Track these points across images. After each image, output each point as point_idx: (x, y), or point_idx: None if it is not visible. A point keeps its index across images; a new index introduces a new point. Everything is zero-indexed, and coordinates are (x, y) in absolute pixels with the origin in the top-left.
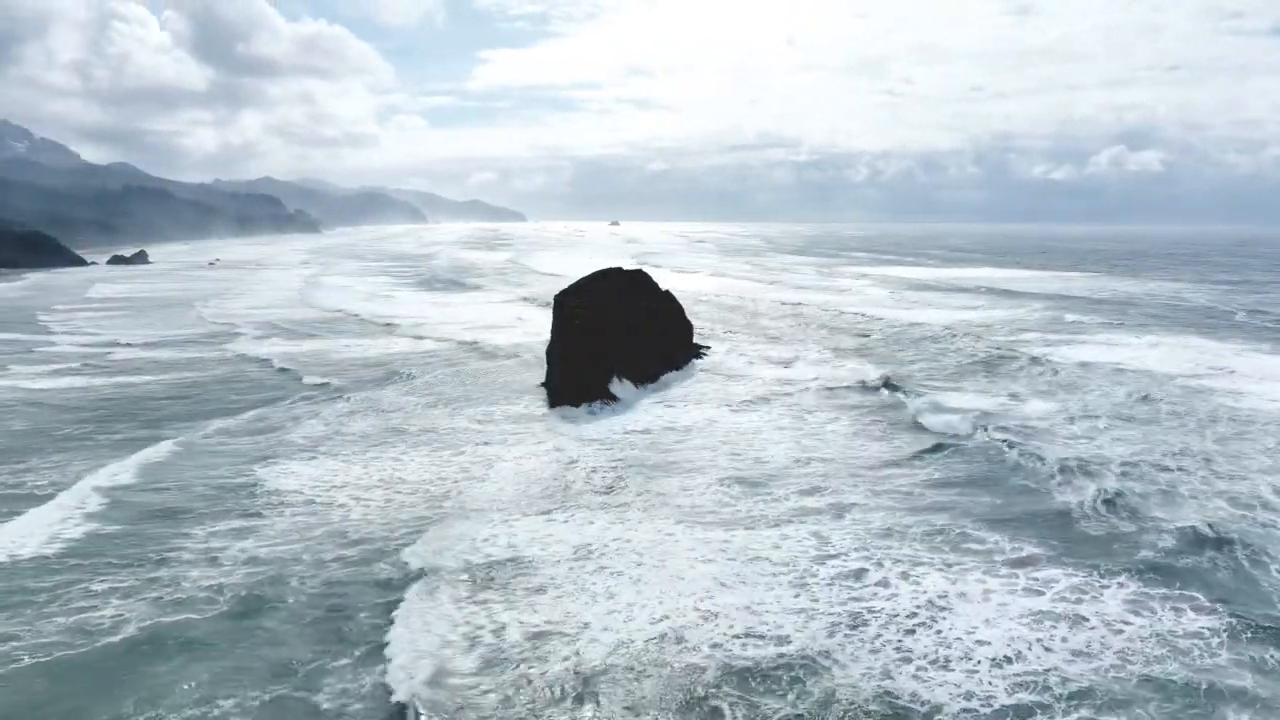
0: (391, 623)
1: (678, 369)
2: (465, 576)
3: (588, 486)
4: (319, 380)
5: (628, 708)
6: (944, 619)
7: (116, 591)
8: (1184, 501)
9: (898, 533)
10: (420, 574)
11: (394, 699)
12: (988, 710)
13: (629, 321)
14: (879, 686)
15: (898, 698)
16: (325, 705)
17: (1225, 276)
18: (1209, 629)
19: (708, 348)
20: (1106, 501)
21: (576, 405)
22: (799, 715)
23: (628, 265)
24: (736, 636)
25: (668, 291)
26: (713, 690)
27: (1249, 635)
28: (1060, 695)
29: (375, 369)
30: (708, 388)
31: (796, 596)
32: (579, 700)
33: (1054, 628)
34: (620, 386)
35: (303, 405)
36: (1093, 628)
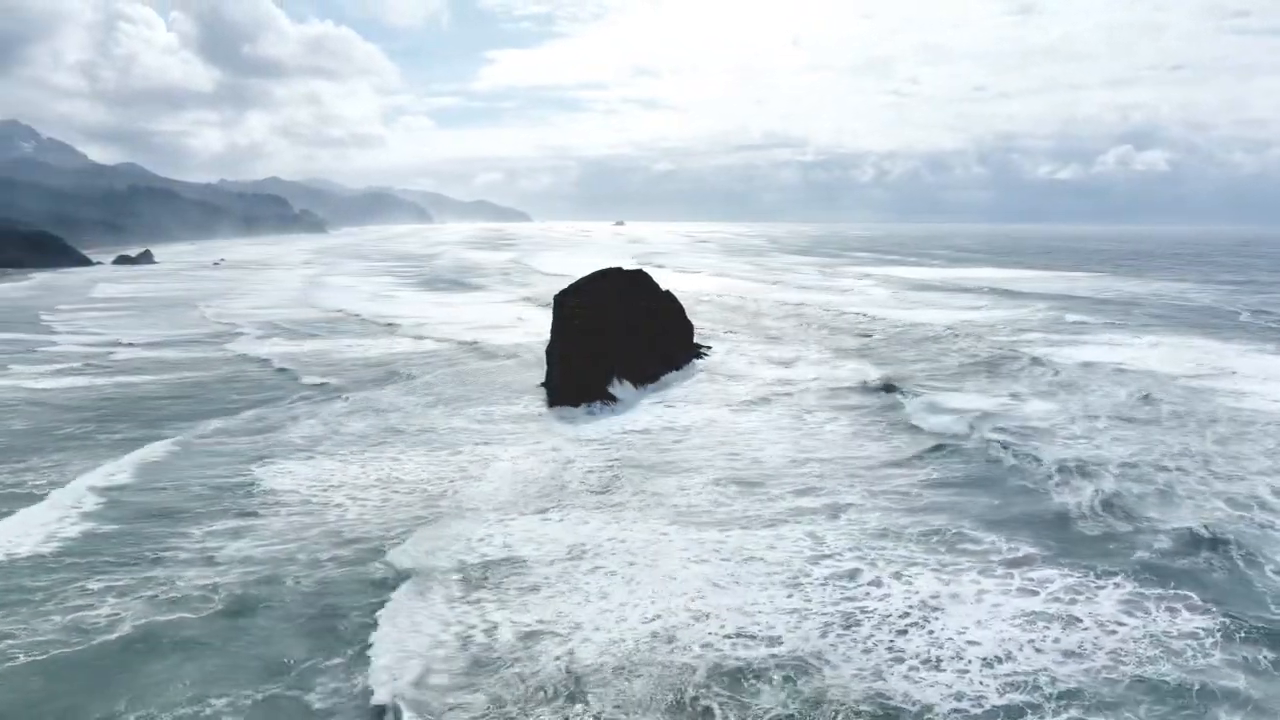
0: (389, 622)
1: (678, 369)
2: (459, 576)
3: (584, 486)
4: (319, 380)
5: (618, 708)
6: (937, 619)
7: (113, 590)
8: (1182, 502)
9: (893, 533)
10: (414, 574)
11: (380, 700)
12: (979, 710)
13: (629, 321)
14: (870, 688)
15: (889, 698)
16: (317, 705)
17: (1230, 277)
18: (1203, 629)
19: (708, 348)
20: (1104, 502)
21: (576, 405)
22: (790, 716)
23: (630, 265)
24: (728, 636)
25: (668, 292)
26: (704, 690)
27: (1242, 636)
28: (1050, 695)
29: (376, 369)
30: (707, 388)
31: (789, 597)
32: (569, 700)
33: (1047, 628)
34: (620, 386)
35: (302, 405)
36: (1086, 628)
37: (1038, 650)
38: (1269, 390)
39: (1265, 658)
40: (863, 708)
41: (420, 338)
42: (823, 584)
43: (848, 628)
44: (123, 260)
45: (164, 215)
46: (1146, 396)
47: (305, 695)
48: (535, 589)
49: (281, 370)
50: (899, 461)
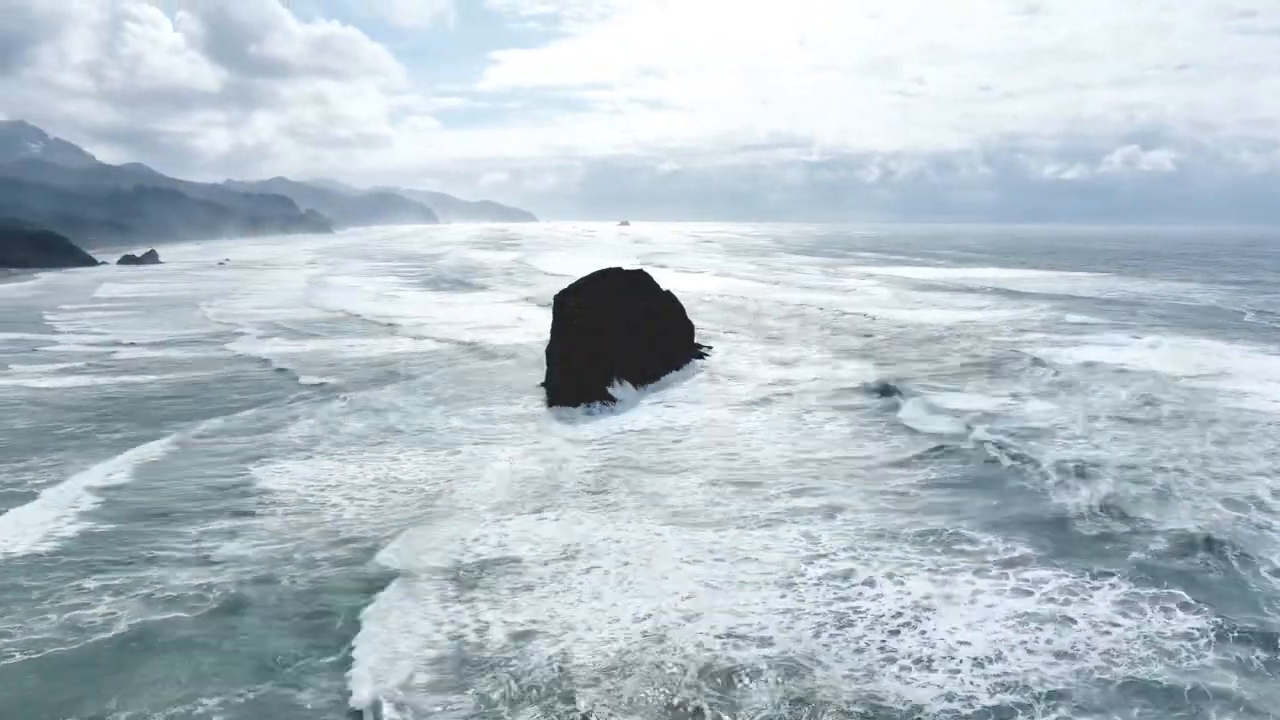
0: (377, 622)
1: (678, 369)
2: (453, 576)
3: (580, 486)
4: (319, 380)
5: (608, 708)
6: (931, 620)
7: (109, 589)
8: (1179, 504)
9: (889, 534)
10: (408, 574)
11: (370, 701)
12: (969, 711)
13: (629, 322)
14: (862, 689)
15: (881, 699)
16: (309, 705)
17: (1235, 277)
18: (1198, 630)
19: (709, 348)
20: (1102, 503)
21: (575, 405)
22: (780, 716)
23: (633, 265)
24: (720, 637)
25: (668, 292)
26: (695, 691)
27: (1236, 636)
28: (1040, 695)
29: (376, 369)
30: (707, 388)
31: (783, 597)
32: (560, 700)
33: (1040, 629)
34: (620, 386)
35: (301, 405)
36: (1080, 629)
37: (1029, 651)
38: (1270, 391)
39: (1259, 659)
40: (854, 709)
41: (421, 338)
42: (817, 584)
43: (841, 628)
44: (128, 260)
45: (170, 215)
46: (1148, 397)
47: (298, 695)
48: (529, 589)
49: (281, 370)
50: (898, 462)
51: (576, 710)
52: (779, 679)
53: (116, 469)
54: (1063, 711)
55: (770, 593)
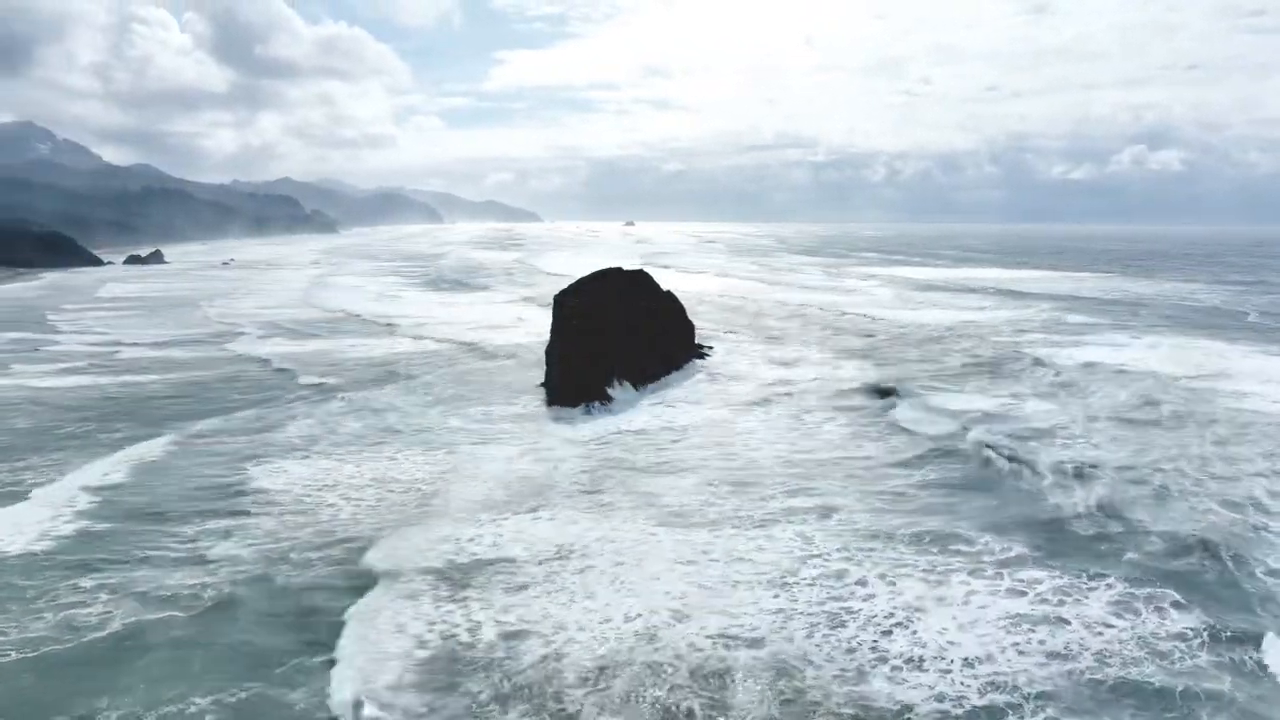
0: (369, 622)
1: (678, 369)
2: (447, 576)
3: (576, 486)
4: (318, 381)
5: (599, 708)
6: (924, 620)
7: (105, 588)
8: (1176, 505)
9: (885, 534)
10: (403, 574)
11: (360, 700)
12: (959, 711)
13: (629, 322)
14: (853, 690)
15: (873, 700)
16: (301, 704)
17: (1241, 277)
18: (1191, 630)
19: (709, 348)
20: (1099, 505)
21: (574, 405)
22: (770, 716)
23: (636, 265)
24: (710, 637)
25: (669, 292)
26: (684, 690)
27: (1229, 636)
28: (1029, 695)
29: (376, 369)
30: (707, 388)
31: (776, 597)
32: (550, 700)
33: (1032, 630)
34: (619, 387)
35: (300, 405)
36: (1074, 630)
37: (1020, 653)
38: (1271, 392)
39: (1251, 659)
40: (844, 710)
41: (421, 338)
42: (810, 584)
43: (834, 628)
44: (133, 260)
45: (176, 216)
46: (1148, 398)
47: (289, 694)
48: (522, 589)
49: (281, 370)
50: (896, 462)
51: (566, 710)
52: (772, 678)
53: (115, 468)
54: (1052, 712)
55: (764, 593)
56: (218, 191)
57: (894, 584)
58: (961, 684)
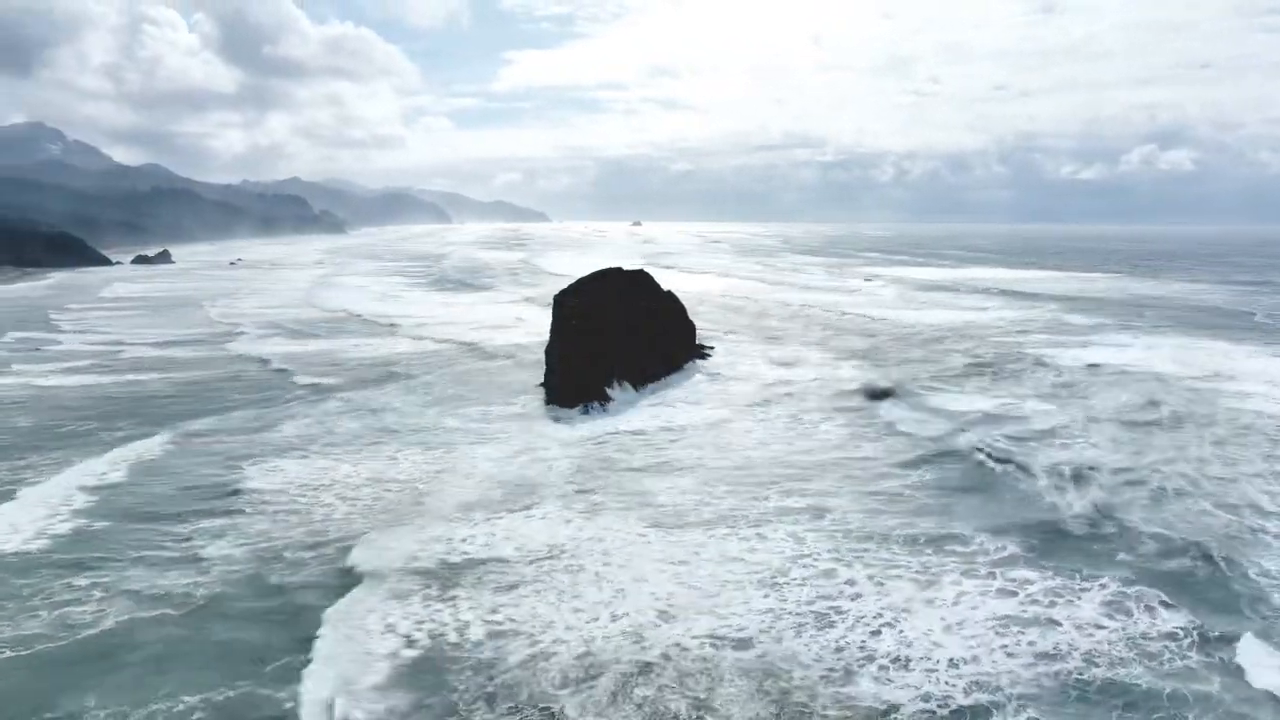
0: (358, 623)
1: (678, 369)
2: (439, 575)
3: (570, 486)
4: (318, 381)
5: (586, 707)
6: (917, 620)
7: (99, 586)
8: (1173, 506)
9: (879, 535)
10: (395, 573)
11: (345, 698)
12: (944, 711)
13: (629, 322)
14: (839, 691)
15: (860, 701)
16: (289, 703)
17: (1248, 277)
18: (1181, 629)
19: (710, 348)
20: (1096, 506)
21: (573, 406)
22: (759, 715)
23: (640, 265)
24: (697, 637)
25: (670, 292)
26: (674, 689)
27: (1215, 637)
28: (1014, 695)
29: (375, 369)
30: (706, 389)
31: (766, 597)
32: (537, 698)
33: (1023, 631)
34: (619, 387)
35: (298, 405)
36: (1064, 631)
37: (1009, 655)
38: (1272, 392)
39: (1242, 661)
40: (830, 711)
41: (421, 338)
42: (801, 584)
43: (822, 629)
44: (141, 260)
45: (185, 216)
46: (1150, 399)
47: (277, 693)
48: (511, 588)
49: (281, 370)
50: (895, 463)
51: (551, 710)
52: (761, 678)
53: (113, 467)
54: (1033, 712)
55: (754, 593)
56: (226, 192)
57: (891, 585)
58: (947, 684)
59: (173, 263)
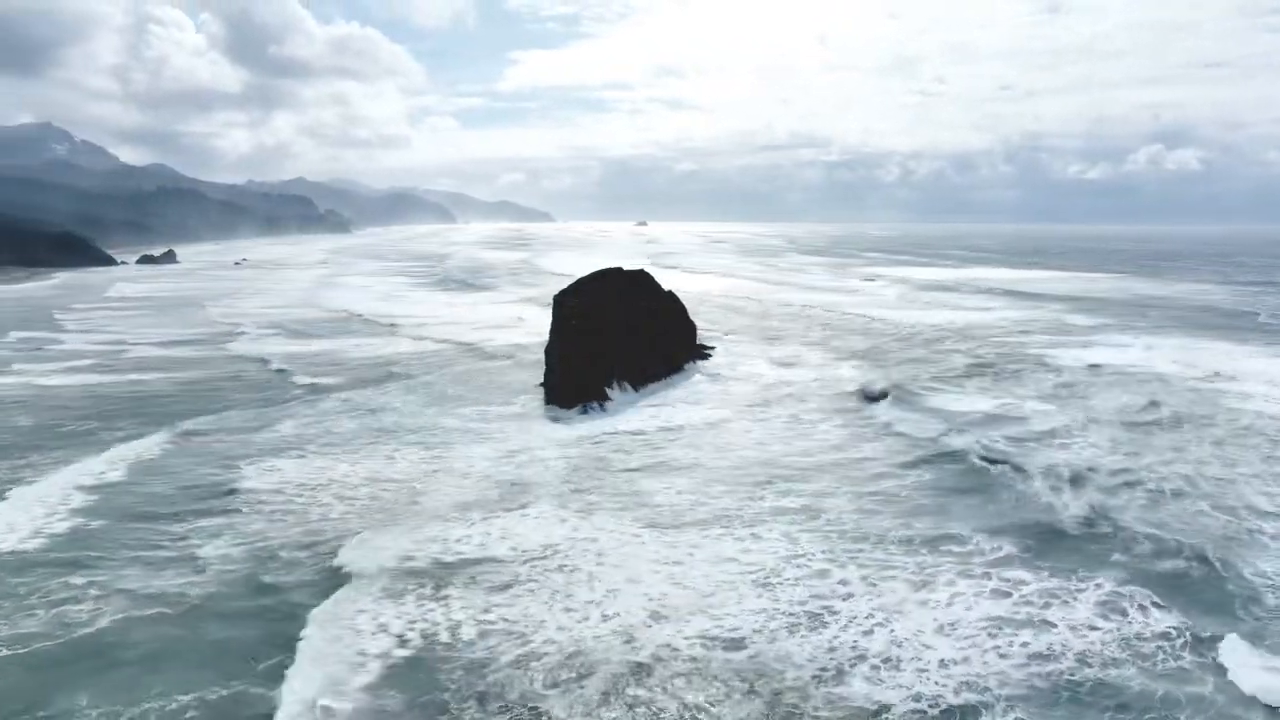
0: (349, 623)
1: (679, 370)
2: (433, 574)
3: (567, 486)
4: (317, 380)
5: (576, 707)
6: (910, 620)
7: (95, 585)
8: (1170, 507)
9: (875, 535)
10: (390, 572)
11: (337, 697)
12: (934, 711)
13: (629, 322)
14: (831, 692)
15: (851, 701)
16: (282, 701)
17: (1254, 277)
18: (1174, 629)
19: (711, 348)
20: (1093, 508)
21: (572, 406)
22: (749, 714)
23: (643, 265)
24: (689, 637)
25: (670, 292)
26: (665, 689)
27: (1206, 637)
28: (1007, 696)
29: (376, 369)
30: (705, 389)
31: (759, 597)
32: (527, 696)
33: (1016, 632)
34: (618, 387)
35: (296, 405)
36: (1058, 632)
37: (1001, 656)
38: (1273, 393)
39: (1236, 661)
40: (821, 713)
41: (422, 338)
42: (794, 584)
43: (814, 629)
44: (146, 260)
45: (190, 215)
46: (1151, 400)
47: (270, 692)
48: (505, 588)
49: (281, 371)
50: (893, 464)
51: (541, 710)
52: (752, 678)
53: (111, 466)
54: (1035, 714)
55: (747, 593)
56: (231, 191)
57: (886, 585)
58: (938, 683)
59: (178, 263)
